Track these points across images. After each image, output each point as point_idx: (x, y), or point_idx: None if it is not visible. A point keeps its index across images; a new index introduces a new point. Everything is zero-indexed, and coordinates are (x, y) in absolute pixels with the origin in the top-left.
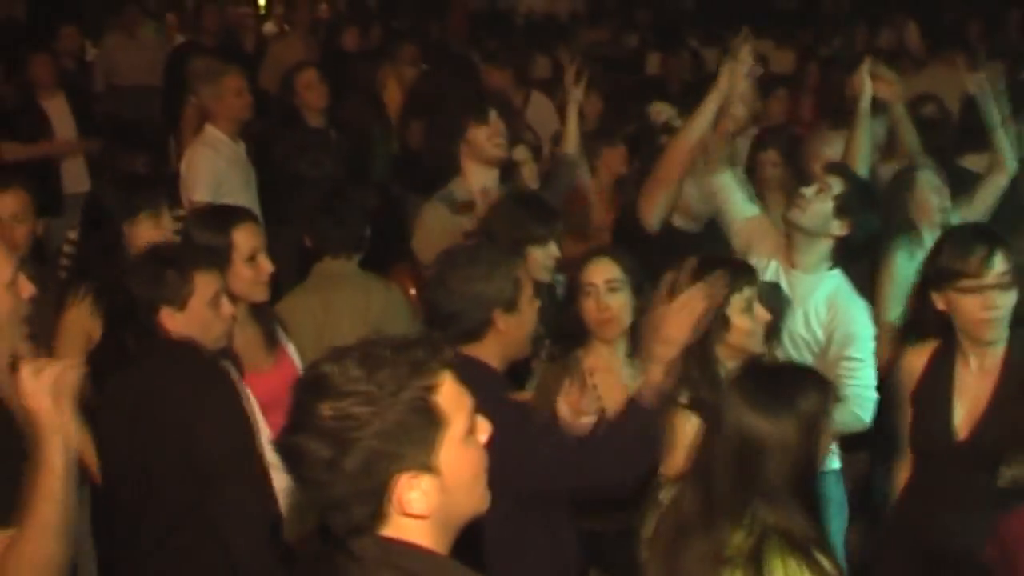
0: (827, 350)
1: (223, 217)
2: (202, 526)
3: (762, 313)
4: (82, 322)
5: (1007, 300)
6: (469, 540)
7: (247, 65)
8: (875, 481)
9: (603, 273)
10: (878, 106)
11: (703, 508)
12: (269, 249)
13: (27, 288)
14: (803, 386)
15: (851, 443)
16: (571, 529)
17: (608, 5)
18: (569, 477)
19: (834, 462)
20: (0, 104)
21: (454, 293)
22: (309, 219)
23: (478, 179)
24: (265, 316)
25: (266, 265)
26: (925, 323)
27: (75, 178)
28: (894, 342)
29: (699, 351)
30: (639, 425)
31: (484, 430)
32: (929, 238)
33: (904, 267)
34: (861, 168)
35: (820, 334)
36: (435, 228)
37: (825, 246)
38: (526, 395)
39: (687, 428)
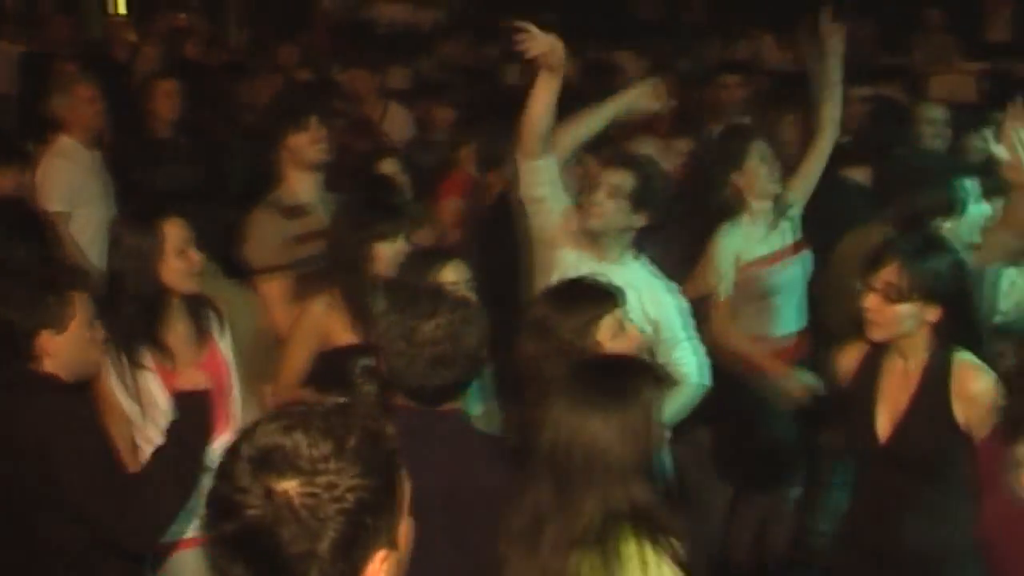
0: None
1: (152, 212)
2: (65, 554)
3: (633, 331)
4: None
5: (883, 306)
6: None
7: (120, 74)
8: None
9: (452, 275)
10: None
11: (555, 497)
12: None
13: None
14: (632, 376)
15: None
16: None
17: (469, 16)
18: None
19: None
20: None
21: None
22: None
23: (302, 184)
24: (197, 309)
25: (196, 257)
26: (858, 322)
27: None
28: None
29: None
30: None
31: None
32: (758, 208)
33: (729, 239)
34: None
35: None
36: (267, 234)
37: (628, 237)
38: None
39: None
